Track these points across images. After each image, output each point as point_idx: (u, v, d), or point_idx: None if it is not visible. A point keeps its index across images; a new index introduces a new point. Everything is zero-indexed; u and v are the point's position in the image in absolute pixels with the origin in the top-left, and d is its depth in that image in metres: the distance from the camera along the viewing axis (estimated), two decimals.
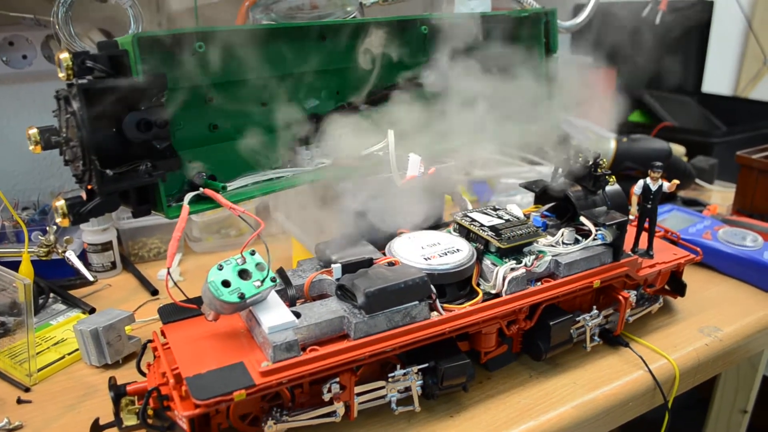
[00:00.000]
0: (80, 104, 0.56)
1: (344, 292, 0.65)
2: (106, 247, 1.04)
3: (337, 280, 0.67)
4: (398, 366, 0.65)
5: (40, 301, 0.95)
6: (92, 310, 0.92)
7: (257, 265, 0.62)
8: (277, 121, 0.74)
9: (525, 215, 0.81)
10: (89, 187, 0.60)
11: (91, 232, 1.03)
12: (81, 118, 0.56)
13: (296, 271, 0.71)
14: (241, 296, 0.59)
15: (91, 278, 0.91)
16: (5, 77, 1.17)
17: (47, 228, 0.92)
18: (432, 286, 0.66)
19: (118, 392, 0.63)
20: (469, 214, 0.78)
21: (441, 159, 0.81)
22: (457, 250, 0.71)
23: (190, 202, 0.65)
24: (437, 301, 0.66)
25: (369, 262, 0.68)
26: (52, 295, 0.97)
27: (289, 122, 0.75)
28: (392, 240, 0.74)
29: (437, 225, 0.82)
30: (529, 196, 1.20)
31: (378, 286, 0.62)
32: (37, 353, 0.82)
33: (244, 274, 0.61)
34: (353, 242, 0.74)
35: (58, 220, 0.59)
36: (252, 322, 0.63)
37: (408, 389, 0.65)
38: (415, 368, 0.65)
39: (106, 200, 0.60)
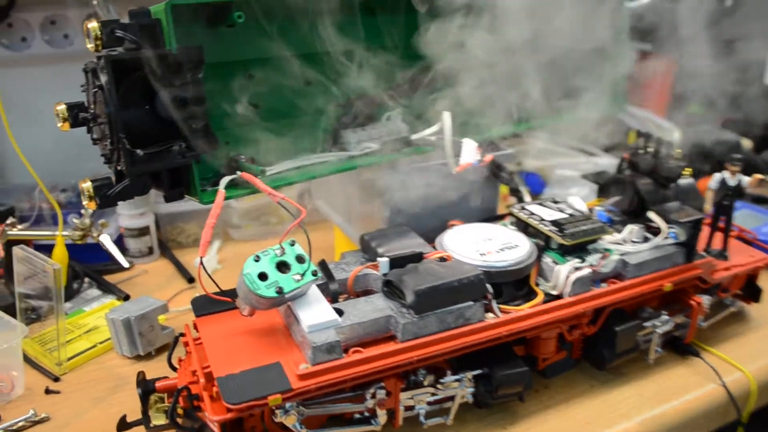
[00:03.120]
0: (108, 77, 0.51)
1: (391, 289, 0.59)
2: (143, 232, 1.01)
3: (384, 275, 0.61)
4: (448, 371, 0.59)
5: (75, 285, 0.91)
6: (126, 297, 0.89)
7: (297, 256, 0.57)
8: (322, 101, 0.68)
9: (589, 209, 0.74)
10: (118, 167, 0.55)
11: (128, 216, 1.00)
12: (109, 92, 0.51)
13: (339, 264, 0.66)
14: (279, 291, 0.54)
15: (125, 264, 0.87)
16: (46, 57, 1.14)
17: (82, 211, 0.87)
18: (488, 285, 0.59)
19: (146, 389, 0.59)
20: (528, 207, 0.71)
21: (498, 145, 0.75)
22: (516, 245, 0.65)
23: (227, 187, 0.59)
24: (493, 301, 0.60)
25: (419, 257, 0.62)
26: (87, 279, 0.94)
27: (335, 103, 0.69)
28: (443, 233, 0.68)
29: (491, 217, 0.75)
30: (586, 190, 1.12)
31: (429, 283, 0.56)
32: (69, 341, 0.79)
33: (282, 266, 0.56)
34: (401, 234, 0.68)
35: (85, 202, 0.55)
36: (290, 318, 0.58)
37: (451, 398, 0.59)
38: (470, 374, 0.59)
39: (136, 182, 0.55)
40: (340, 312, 0.57)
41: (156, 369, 0.72)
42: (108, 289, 0.91)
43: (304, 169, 0.67)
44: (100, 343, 0.78)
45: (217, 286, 0.59)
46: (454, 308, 0.57)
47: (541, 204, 0.72)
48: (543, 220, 0.68)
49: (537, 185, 1.20)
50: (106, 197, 0.54)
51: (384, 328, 0.57)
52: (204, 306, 0.63)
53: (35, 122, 1.11)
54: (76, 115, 0.56)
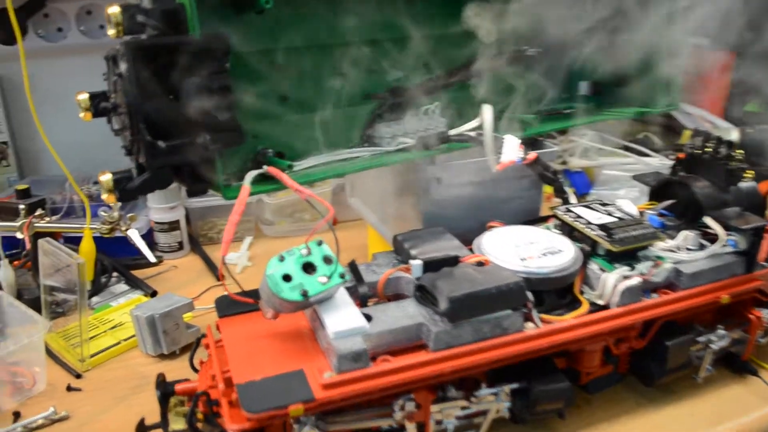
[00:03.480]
0: (128, 65, 0.49)
1: (424, 294, 0.56)
2: (174, 226, 0.99)
3: (417, 279, 0.57)
4: (483, 384, 0.55)
5: (103, 279, 0.90)
6: (153, 293, 0.87)
7: (324, 257, 0.53)
8: (355, 93, 0.65)
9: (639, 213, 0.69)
10: (138, 160, 0.52)
11: (159, 210, 0.98)
12: (128, 80, 0.49)
13: (370, 266, 0.63)
14: (304, 294, 0.51)
15: (152, 259, 0.86)
16: (82, 47, 1.14)
17: (111, 204, 0.86)
18: (528, 293, 0.55)
19: (165, 392, 0.57)
20: (573, 209, 0.67)
21: (542, 142, 0.70)
22: (559, 250, 0.61)
23: (253, 182, 0.56)
24: (534, 310, 0.56)
25: (454, 260, 0.59)
26: (115, 274, 0.92)
27: (368, 95, 0.65)
28: (481, 235, 0.64)
29: (533, 219, 0.71)
30: (635, 192, 1.06)
31: (464, 290, 0.52)
32: (93, 337, 0.78)
33: (308, 267, 0.53)
34: (436, 236, 0.65)
35: (104, 196, 0.52)
36: (316, 323, 0.55)
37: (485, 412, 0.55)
38: (507, 388, 0.55)
39: (157, 175, 0.53)
40: (368, 317, 0.54)
41: (180, 369, 0.70)
42: (135, 284, 0.89)
43: (334, 164, 0.64)
44: (125, 340, 0.76)
45: (239, 286, 0.56)
46: (491, 317, 0.54)
47: (588, 206, 0.67)
48: (590, 223, 0.64)
49: (583, 186, 1.15)
50: (126, 191, 0.52)
51: (415, 336, 0.54)
52: (228, 306, 0.61)
53: (71, 113, 1.10)
54: (98, 104, 0.54)
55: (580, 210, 0.67)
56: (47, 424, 0.63)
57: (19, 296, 0.84)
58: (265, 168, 0.57)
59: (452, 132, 0.65)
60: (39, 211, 0.86)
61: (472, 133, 0.64)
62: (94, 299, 0.87)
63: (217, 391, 0.52)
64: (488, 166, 0.61)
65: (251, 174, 0.56)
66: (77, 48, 1.14)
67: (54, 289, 0.77)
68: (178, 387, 0.57)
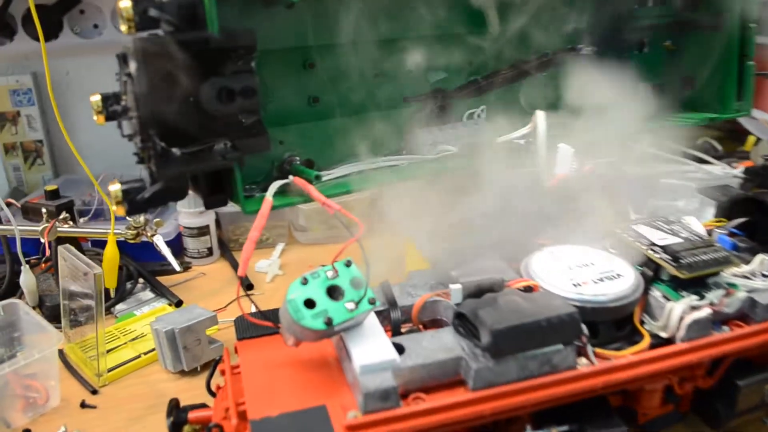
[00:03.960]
0: (137, 64, 0.44)
1: (464, 324, 0.50)
2: (203, 231, 0.95)
3: (457, 305, 0.52)
4: (528, 426, 0.49)
5: (128, 286, 0.87)
6: (179, 303, 0.84)
7: (353, 280, 0.48)
8: (392, 95, 0.60)
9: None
10: (151, 168, 0.48)
11: (188, 214, 0.95)
12: (138, 81, 0.44)
13: (405, 287, 0.57)
14: (328, 322, 0.46)
15: (177, 268, 0.82)
16: (118, 45, 1.10)
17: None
18: (582, 325, 0.49)
19: (177, 421, 0.52)
20: (634, 227, 0.60)
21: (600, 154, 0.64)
22: (618, 275, 0.54)
23: (277, 193, 0.52)
24: (588, 345, 0.50)
25: (499, 285, 0.53)
26: (141, 280, 0.89)
27: (407, 98, 0.60)
28: (530, 255, 0.58)
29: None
30: (694, 203, 0.98)
31: (510, 322, 0.46)
32: (113, 349, 0.74)
33: (334, 291, 0.48)
34: (480, 254, 0.59)
35: (114, 207, 0.48)
36: (342, 352, 0.50)
37: None
38: (555, 431, 0.49)
39: (169, 186, 0.48)
40: (400, 348, 0.48)
41: (200, 388, 0.65)
42: (161, 292, 0.86)
43: (368, 174, 0.59)
44: (145, 353, 0.73)
45: (256, 306, 0.51)
46: (540, 352, 0.48)
47: (650, 224, 0.60)
48: (653, 244, 0.57)
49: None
50: (135, 203, 0.47)
51: (452, 372, 0.48)
52: (248, 328, 0.56)
53: None
54: (110, 107, 0.49)
55: (642, 228, 0.60)
56: None
57: (41, 302, 0.81)
58: (291, 178, 0.53)
59: (500, 139, 0.59)
60: (63, 215, 0.82)
61: (522, 141, 0.58)
62: (119, 307, 0.84)
63: (229, 425, 0.47)
64: (540, 178, 0.55)
65: (275, 185, 0.52)
66: (113, 45, 1.11)
67: (75, 296, 0.73)
68: (191, 415, 0.52)
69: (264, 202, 0.50)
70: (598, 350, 0.51)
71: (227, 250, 0.99)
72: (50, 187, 0.92)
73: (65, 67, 1.18)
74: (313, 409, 0.46)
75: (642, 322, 0.54)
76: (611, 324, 0.53)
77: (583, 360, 0.50)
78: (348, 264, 0.49)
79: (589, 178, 0.59)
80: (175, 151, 0.47)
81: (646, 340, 0.52)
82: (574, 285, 0.53)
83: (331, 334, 0.48)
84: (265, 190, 0.52)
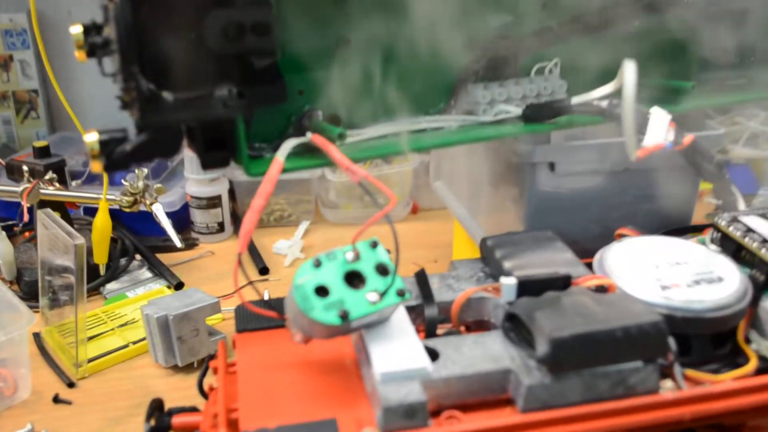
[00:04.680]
0: None
1: (516, 328, 0.47)
2: (214, 203, 0.94)
3: (509, 304, 0.49)
4: None
5: (122, 262, 0.86)
6: (179, 285, 0.83)
7: (378, 265, 0.45)
8: (442, 41, 0.56)
9: None
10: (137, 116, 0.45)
11: (196, 181, 0.94)
12: (121, 4, 0.41)
13: (446, 279, 0.54)
14: (344, 315, 0.43)
15: (178, 243, 0.81)
16: None
17: (136, 171, 0.81)
18: (669, 338, 0.45)
19: (159, 426, 0.50)
20: (743, 218, 0.55)
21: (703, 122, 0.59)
22: (719, 278, 0.50)
23: (292, 155, 0.49)
24: (676, 364, 0.46)
25: (564, 282, 0.49)
26: (139, 257, 0.88)
27: (462, 45, 0.56)
28: (606, 247, 0.55)
29: (681, 228, 0.61)
30: None
31: (575, 328, 0.43)
32: (97, 335, 0.73)
33: (354, 278, 0.45)
34: (542, 243, 0.56)
35: (90, 163, 0.45)
36: (362, 354, 0.47)
37: None
38: None
39: (158, 138, 0.45)
40: (434, 354, 0.45)
41: (194, 388, 0.63)
42: (159, 272, 0.84)
43: (409, 137, 0.55)
44: (134, 343, 0.72)
45: (258, 293, 0.48)
46: (612, 370, 0.44)
47: (764, 216, 0.55)
48: (766, 241, 0.52)
49: (746, 183, 1.01)
50: (115, 156, 0.44)
51: (498, 388, 0.45)
52: (250, 318, 0.54)
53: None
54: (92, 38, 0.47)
55: (753, 221, 0.55)
56: None
57: (19, 277, 0.81)
58: (309, 136, 0.50)
59: (575, 100, 0.55)
60: (49, 175, 0.81)
61: (604, 103, 0.54)
62: (110, 286, 0.84)
63: None
64: (624, 151, 0.51)
65: (289, 143, 0.49)
66: None
67: (56, 271, 0.72)
68: (176, 420, 0.50)
69: (273, 163, 0.46)
70: (689, 372, 0.47)
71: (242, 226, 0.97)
72: (39, 144, 0.91)
73: (67, 5, 1.17)
74: (319, 422, 0.43)
75: (748, 340, 0.50)
76: (707, 340, 0.49)
77: (668, 383, 0.46)
78: (374, 245, 0.46)
79: (689, 153, 0.54)
80: (166, 95, 0.45)
81: (753, 363, 0.48)
82: (662, 288, 0.49)
83: (347, 331, 0.45)
84: (277, 150, 0.50)
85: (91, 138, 0.45)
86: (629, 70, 0.49)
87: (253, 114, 0.50)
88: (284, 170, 0.47)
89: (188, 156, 0.92)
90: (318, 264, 0.44)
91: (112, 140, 0.45)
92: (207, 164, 0.48)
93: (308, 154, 0.50)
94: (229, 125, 0.47)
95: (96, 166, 0.45)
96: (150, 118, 0.44)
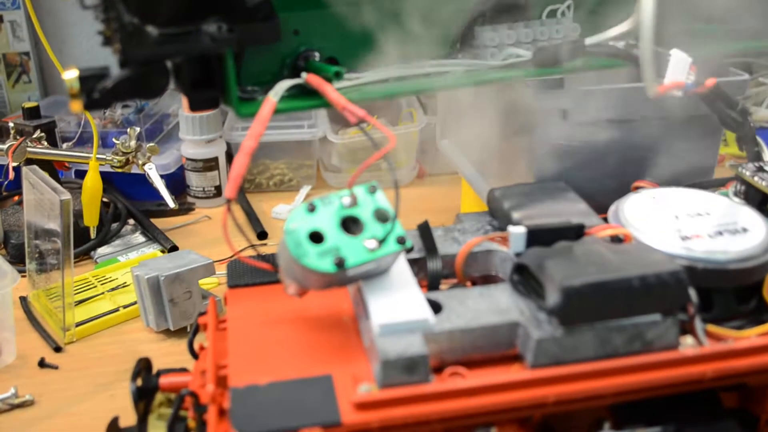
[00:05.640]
0: None
1: (525, 280, 0.45)
2: (210, 165, 0.93)
3: (517, 255, 0.47)
4: (606, 423, 0.44)
5: (114, 226, 0.85)
6: (173, 249, 0.82)
7: (377, 211, 0.44)
8: None
9: None
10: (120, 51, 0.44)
11: (192, 143, 0.93)
12: None
13: (450, 231, 0.53)
14: (340, 263, 0.41)
15: (171, 204, 0.80)
16: None
17: (128, 130, 0.79)
18: (691, 290, 0.44)
19: (146, 386, 0.49)
20: None
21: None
22: (743, 229, 0.49)
23: (287, 96, 0.47)
24: (697, 318, 0.45)
25: (577, 231, 0.48)
26: (132, 221, 0.87)
27: None
28: (622, 198, 0.53)
29: (704, 182, 0.60)
30: None
31: (588, 277, 0.41)
32: (87, 299, 0.72)
33: (351, 224, 0.44)
34: (553, 193, 0.54)
35: (70, 103, 0.44)
36: (359, 307, 0.46)
37: None
38: None
39: (142, 75, 0.43)
40: (437, 307, 0.44)
41: (187, 353, 0.63)
42: (153, 236, 0.83)
43: (411, 81, 0.53)
44: (125, 307, 0.71)
45: (248, 240, 0.46)
46: (628, 323, 0.42)
47: None
48: None
49: None
50: (95, 94, 0.43)
51: (506, 342, 0.43)
52: (243, 273, 0.52)
53: None
54: None
55: None
56: (3, 409, 0.57)
57: (6, 240, 0.80)
58: (305, 76, 0.48)
59: (589, 41, 0.53)
60: (37, 134, 0.80)
61: (620, 45, 0.52)
62: (101, 250, 0.83)
63: (205, 392, 0.43)
64: (641, 97, 0.49)
65: (283, 84, 0.47)
66: None
67: (44, 234, 0.70)
68: (164, 380, 0.49)
69: (265, 103, 0.45)
70: (711, 327, 0.46)
71: (241, 190, 0.97)
72: (29, 104, 0.90)
73: None
74: (314, 378, 0.41)
75: None
76: (731, 293, 0.47)
77: (688, 339, 0.45)
78: (372, 190, 0.45)
79: (711, 99, 0.52)
80: (151, 29, 0.43)
81: None
82: (682, 238, 0.48)
83: (344, 281, 0.43)
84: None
85: (71, 75, 0.43)
86: (647, 3, 0.47)
87: (245, 52, 0.48)
88: (277, 111, 0.45)
89: (184, 117, 0.91)
90: (312, 209, 0.43)
91: (92, 77, 0.43)
92: (194, 104, 0.47)
93: (303, 96, 0.48)
94: (217, 62, 0.46)
95: (75, 105, 0.44)
96: (132, 53, 0.43)
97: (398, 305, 0.43)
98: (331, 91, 0.46)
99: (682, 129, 0.61)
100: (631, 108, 0.59)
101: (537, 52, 0.54)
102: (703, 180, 0.61)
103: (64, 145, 0.93)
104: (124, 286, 0.74)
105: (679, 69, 0.50)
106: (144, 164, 0.80)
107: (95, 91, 0.43)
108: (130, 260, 0.80)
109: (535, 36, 0.56)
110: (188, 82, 0.46)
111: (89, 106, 0.43)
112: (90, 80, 0.43)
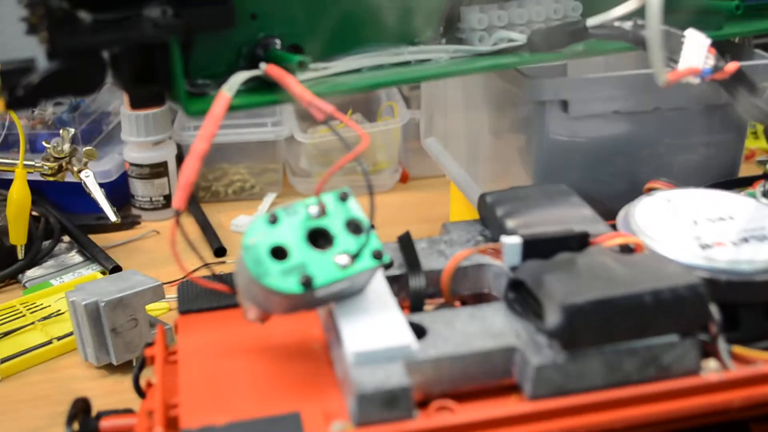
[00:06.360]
0: None
1: (521, 297, 0.47)
2: (158, 171, 0.94)
3: (512, 269, 0.49)
4: None
5: (46, 244, 0.87)
6: (115, 269, 0.83)
7: (349, 221, 0.45)
8: None
9: None
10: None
11: (136, 145, 0.94)
12: None
13: (435, 243, 0.54)
14: (307, 282, 0.42)
15: (113, 217, 0.82)
16: None
17: (61, 132, 0.80)
18: (712, 306, 0.46)
19: (84, 431, 0.49)
20: None
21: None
22: None
23: (244, 90, 0.48)
24: (721, 338, 0.46)
25: (581, 241, 0.50)
26: (67, 238, 0.89)
27: None
28: (633, 202, 0.55)
29: (726, 181, 0.62)
30: None
31: (593, 293, 0.43)
32: (13, 331, 0.73)
33: (319, 237, 0.44)
34: (553, 198, 0.56)
35: None
36: (331, 333, 0.47)
37: None
38: None
39: (73, 68, 0.45)
40: (421, 331, 0.45)
41: (132, 391, 0.64)
42: (92, 255, 0.84)
43: (389, 71, 0.55)
44: (59, 338, 0.71)
45: (202, 259, 0.48)
46: (641, 345, 0.44)
47: None
48: None
49: None
50: (18, 91, 0.44)
51: (501, 370, 0.45)
52: (196, 297, 0.54)
53: None
54: None
55: None
56: None
57: None
58: (264, 67, 0.49)
59: (591, 22, 0.55)
60: None
61: (627, 25, 0.54)
62: (30, 273, 0.84)
63: None
64: (652, 86, 0.52)
65: (238, 76, 0.48)
66: None
67: None
68: (105, 423, 0.49)
69: (217, 98, 0.46)
70: (737, 348, 0.47)
71: (194, 200, 0.98)
72: None
73: None
74: (280, 417, 0.42)
75: None
76: (759, 310, 0.49)
77: (711, 362, 0.47)
78: (343, 197, 0.45)
79: (732, 86, 0.54)
80: (83, 15, 0.44)
81: None
82: (702, 246, 0.50)
83: (312, 303, 0.44)
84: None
85: None
86: None
87: (193, 41, 0.49)
88: (232, 107, 0.46)
89: (126, 115, 0.92)
90: (274, 220, 0.43)
91: (15, 71, 0.45)
92: (136, 101, 0.49)
93: (262, 90, 0.50)
94: (162, 52, 0.47)
95: None
96: (62, 43, 0.44)
97: (376, 330, 0.44)
98: (294, 83, 0.47)
99: (701, 121, 0.63)
100: (641, 97, 0.60)
101: (532, 36, 0.56)
102: (726, 179, 0.63)
103: None
104: (57, 315, 0.74)
105: (695, 52, 0.52)
106: (80, 171, 0.80)
107: (19, 88, 0.44)
108: (65, 284, 0.80)
109: (530, 17, 0.58)
110: (128, 76, 0.47)
111: (12, 105, 0.45)
112: (12, 75, 0.45)
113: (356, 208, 0.45)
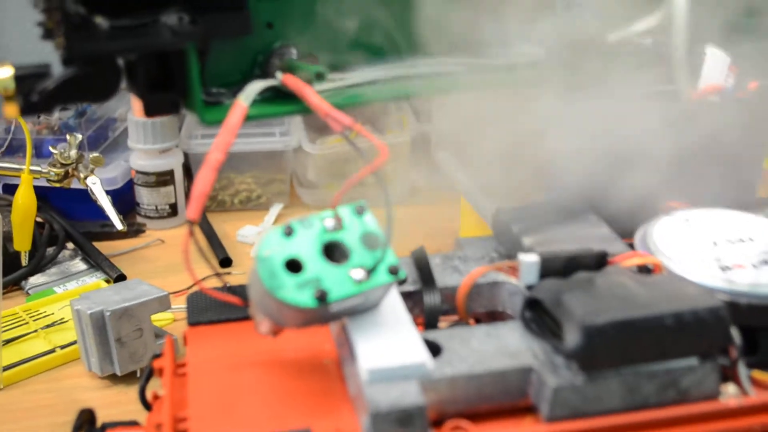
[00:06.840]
0: None
1: (538, 317, 0.47)
2: (164, 180, 0.94)
3: (528, 288, 0.49)
4: None
5: (50, 251, 0.87)
6: (119, 278, 0.83)
7: (365, 235, 0.45)
8: None
9: None
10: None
11: (143, 153, 0.94)
12: None
13: (449, 259, 0.55)
14: (321, 296, 0.42)
15: (119, 225, 0.82)
16: None
17: (68, 138, 0.80)
18: (733, 329, 0.46)
19: None
20: None
21: None
22: None
23: (260, 100, 0.49)
24: (741, 362, 0.46)
25: (599, 260, 0.49)
26: (71, 245, 0.89)
27: None
28: (651, 221, 0.55)
29: (748, 201, 0.62)
30: None
31: (613, 314, 0.43)
32: (16, 338, 0.73)
33: (335, 251, 0.44)
34: (570, 216, 0.56)
35: (4, 105, 0.45)
36: (344, 349, 0.47)
37: None
38: None
39: (88, 75, 0.45)
40: (436, 348, 0.45)
41: (136, 402, 0.63)
42: (96, 263, 0.84)
43: (404, 82, 0.55)
44: (62, 347, 0.71)
45: (212, 268, 0.48)
46: (660, 368, 0.44)
47: None
48: None
49: None
50: (33, 96, 0.44)
51: (516, 390, 0.44)
52: (206, 308, 0.54)
53: None
54: None
55: None
56: None
57: None
58: (280, 77, 0.49)
59: (612, 37, 0.56)
60: None
61: (648, 41, 0.54)
62: (34, 280, 0.84)
63: None
64: (673, 99, 0.51)
65: (254, 86, 0.49)
66: None
67: None
68: None
69: (234, 108, 0.46)
70: (757, 373, 0.47)
71: None
72: None
73: None
74: None
75: None
76: None
77: (730, 387, 0.47)
78: (360, 211, 0.46)
79: (755, 103, 0.54)
80: (100, 21, 0.45)
81: None
82: (722, 268, 0.50)
83: (326, 318, 0.44)
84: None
85: (5, 74, 0.45)
86: None
87: (210, 49, 0.49)
88: (248, 117, 0.47)
89: (133, 122, 0.92)
90: (289, 232, 0.43)
91: (30, 76, 0.45)
92: (151, 109, 0.49)
93: (279, 99, 0.50)
94: (178, 59, 0.48)
95: (10, 110, 0.46)
96: (78, 48, 0.44)
97: (390, 347, 0.43)
98: (311, 94, 0.47)
99: (720, 137, 0.62)
100: (662, 114, 0.60)
101: (551, 50, 0.56)
102: (746, 198, 0.63)
103: None
104: (61, 323, 0.74)
105: (717, 69, 0.52)
106: (86, 178, 0.80)
107: (34, 93, 0.45)
108: (69, 292, 0.80)
109: (548, 30, 0.58)
110: (144, 83, 0.48)
111: (26, 110, 0.45)
112: (28, 80, 0.45)
113: (372, 222, 0.45)
